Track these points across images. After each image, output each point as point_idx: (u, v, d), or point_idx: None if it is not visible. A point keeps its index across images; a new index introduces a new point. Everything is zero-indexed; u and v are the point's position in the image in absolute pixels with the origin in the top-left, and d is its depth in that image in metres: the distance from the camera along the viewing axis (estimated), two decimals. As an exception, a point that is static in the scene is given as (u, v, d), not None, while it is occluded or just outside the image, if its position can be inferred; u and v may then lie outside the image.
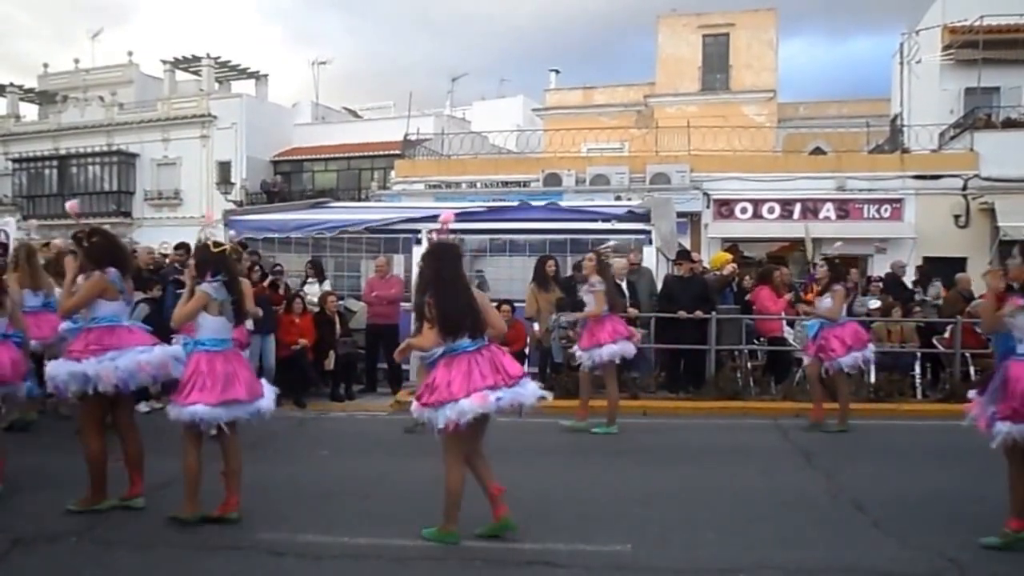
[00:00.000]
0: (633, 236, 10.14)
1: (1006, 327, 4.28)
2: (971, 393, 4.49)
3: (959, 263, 14.68)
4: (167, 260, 10.12)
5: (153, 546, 4.33)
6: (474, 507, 5.12)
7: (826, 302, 7.58)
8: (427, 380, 4.37)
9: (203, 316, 4.61)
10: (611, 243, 8.26)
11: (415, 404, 4.41)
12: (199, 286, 4.65)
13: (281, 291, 9.06)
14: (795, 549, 4.35)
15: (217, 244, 4.91)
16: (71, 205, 6.23)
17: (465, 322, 4.31)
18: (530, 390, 4.41)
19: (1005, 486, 5.69)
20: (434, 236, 4.69)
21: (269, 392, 4.90)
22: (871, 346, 7.86)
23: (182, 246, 10.09)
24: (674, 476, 5.91)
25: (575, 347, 7.70)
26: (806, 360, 7.90)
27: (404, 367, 9.66)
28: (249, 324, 8.29)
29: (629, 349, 7.50)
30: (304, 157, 29.35)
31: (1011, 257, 4.42)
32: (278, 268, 9.53)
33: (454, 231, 5.94)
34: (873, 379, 9.03)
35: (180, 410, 4.52)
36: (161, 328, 8.78)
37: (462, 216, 11.36)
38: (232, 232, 10.55)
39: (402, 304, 9.85)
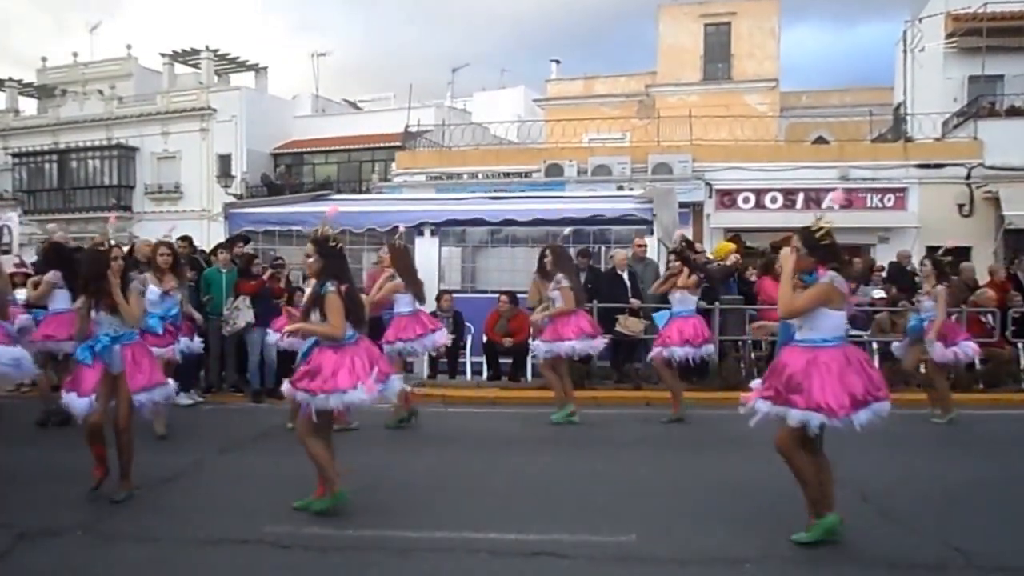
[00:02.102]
0: (635, 226, 10.12)
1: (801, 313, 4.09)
2: (754, 383, 4.33)
3: (963, 252, 14.62)
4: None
5: (158, 540, 4.32)
6: (475, 504, 5.12)
7: (927, 303, 7.54)
8: (307, 366, 4.56)
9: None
10: (565, 232, 8.27)
11: (288, 387, 4.63)
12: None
13: (282, 284, 9.04)
14: (801, 539, 4.34)
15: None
16: (111, 219, 6.69)
17: (363, 314, 4.72)
18: (397, 385, 4.87)
19: (1008, 475, 5.70)
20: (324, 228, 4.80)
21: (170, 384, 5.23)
22: (710, 346, 7.75)
23: (185, 239, 10.09)
24: (679, 466, 5.90)
25: (536, 339, 7.73)
26: (653, 351, 7.72)
27: (408, 359, 9.67)
28: (249, 317, 8.36)
29: (592, 347, 7.56)
30: (304, 150, 29.28)
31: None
32: (279, 261, 9.51)
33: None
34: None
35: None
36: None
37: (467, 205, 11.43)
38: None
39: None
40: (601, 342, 7.75)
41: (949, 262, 7.99)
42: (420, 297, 7.46)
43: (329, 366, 4.48)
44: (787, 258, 4.21)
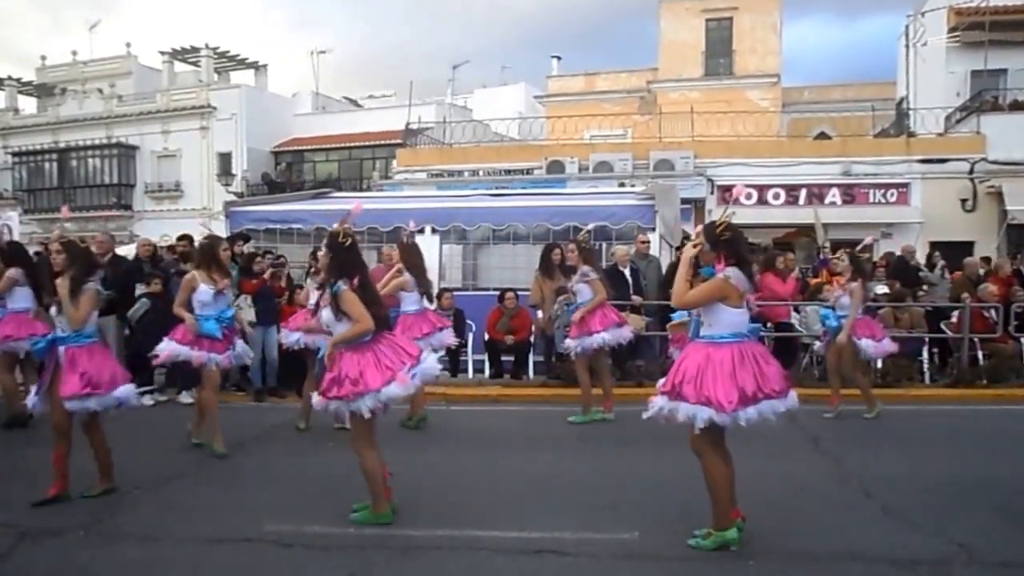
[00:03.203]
0: (637, 223, 10.10)
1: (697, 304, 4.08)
2: (660, 381, 4.29)
3: (966, 247, 14.59)
4: (168, 252, 10.11)
5: (160, 539, 4.32)
6: (478, 502, 5.11)
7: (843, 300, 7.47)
8: (332, 374, 4.34)
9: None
10: (589, 227, 8.13)
11: (319, 400, 4.40)
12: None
13: (283, 282, 9.03)
14: (803, 535, 4.34)
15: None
16: (64, 211, 6.34)
17: (384, 309, 4.57)
18: (432, 363, 4.61)
19: (1014, 471, 5.68)
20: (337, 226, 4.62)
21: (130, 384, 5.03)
22: (628, 330, 7.57)
23: (185, 237, 10.08)
24: (681, 463, 5.86)
25: (566, 338, 7.55)
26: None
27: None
28: (251, 316, 8.31)
29: (623, 335, 7.42)
30: (305, 147, 29.24)
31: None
32: (280, 260, 9.51)
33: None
34: (880, 364, 8.98)
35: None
36: (167, 320, 8.78)
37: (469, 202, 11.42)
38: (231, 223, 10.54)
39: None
40: (629, 331, 7.54)
41: (868, 259, 8.00)
42: (429, 296, 7.34)
43: (354, 368, 4.30)
44: (687, 251, 4.23)
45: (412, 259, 7.24)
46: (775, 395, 3.99)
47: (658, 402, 4.13)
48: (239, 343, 6.44)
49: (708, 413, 3.91)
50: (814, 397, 7.87)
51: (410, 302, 7.17)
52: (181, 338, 6.04)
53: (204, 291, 6.10)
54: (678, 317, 7.56)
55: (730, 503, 4.15)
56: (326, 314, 4.45)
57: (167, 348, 6.04)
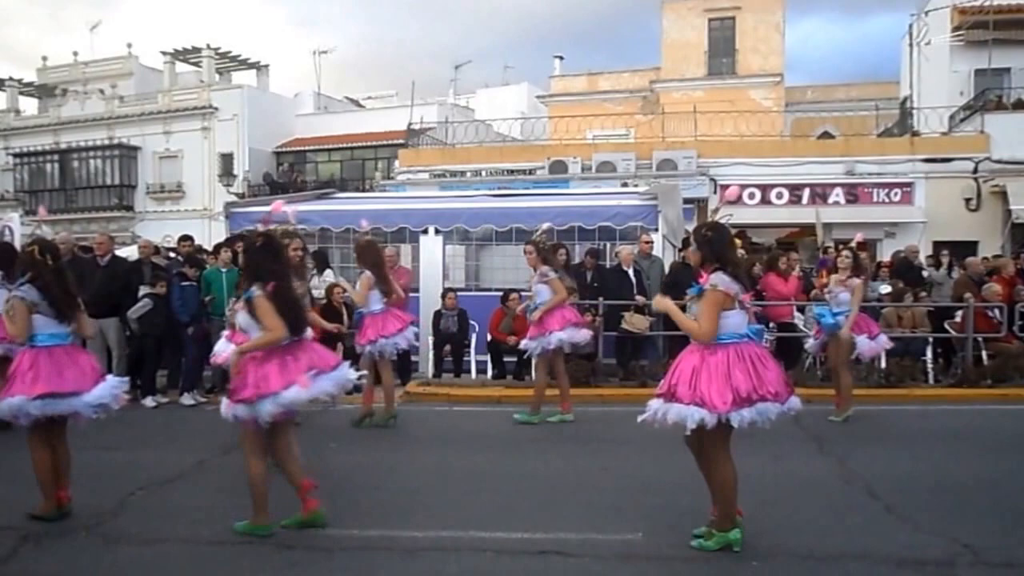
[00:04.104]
0: (640, 223, 10.07)
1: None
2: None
3: (970, 247, 14.55)
4: (171, 253, 10.12)
5: (163, 541, 4.31)
6: (481, 503, 5.09)
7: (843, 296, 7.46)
8: (236, 380, 4.23)
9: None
10: (545, 226, 8.06)
11: (225, 406, 4.27)
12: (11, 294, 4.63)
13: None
14: (808, 535, 4.31)
15: (30, 245, 4.82)
16: (41, 211, 6.03)
17: (300, 316, 4.40)
18: (347, 373, 4.50)
19: (1018, 471, 5.65)
20: (260, 227, 4.57)
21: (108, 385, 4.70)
22: (586, 331, 7.57)
23: (187, 238, 10.08)
24: (685, 463, 5.84)
25: (524, 338, 7.51)
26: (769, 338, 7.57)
27: (413, 358, 9.65)
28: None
29: (580, 336, 7.38)
30: (307, 148, 29.27)
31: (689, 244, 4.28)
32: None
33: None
34: (884, 364, 8.95)
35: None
36: (170, 322, 8.76)
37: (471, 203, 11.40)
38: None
39: (410, 294, 9.84)
40: (587, 332, 7.55)
41: (867, 256, 8.01)
42: (387, 294, 7.20)
43: (256, 372, 4.19)
44: (661, 303, 4.26)
45: (370, 258, 7.20)
46: (772, 398, 3.95)
47: (653, 405, 4.12)
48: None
49: (701, 414, 3.88)
50: (817, 397, 7.85)
51: (374, 301, 7.13)
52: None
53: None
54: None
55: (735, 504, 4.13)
56: (241, 317, 4.34)
57: (225, 350, 5.86)
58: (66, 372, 4.51)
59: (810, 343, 8.26)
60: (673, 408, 3.97)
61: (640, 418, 4.18)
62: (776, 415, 4.00)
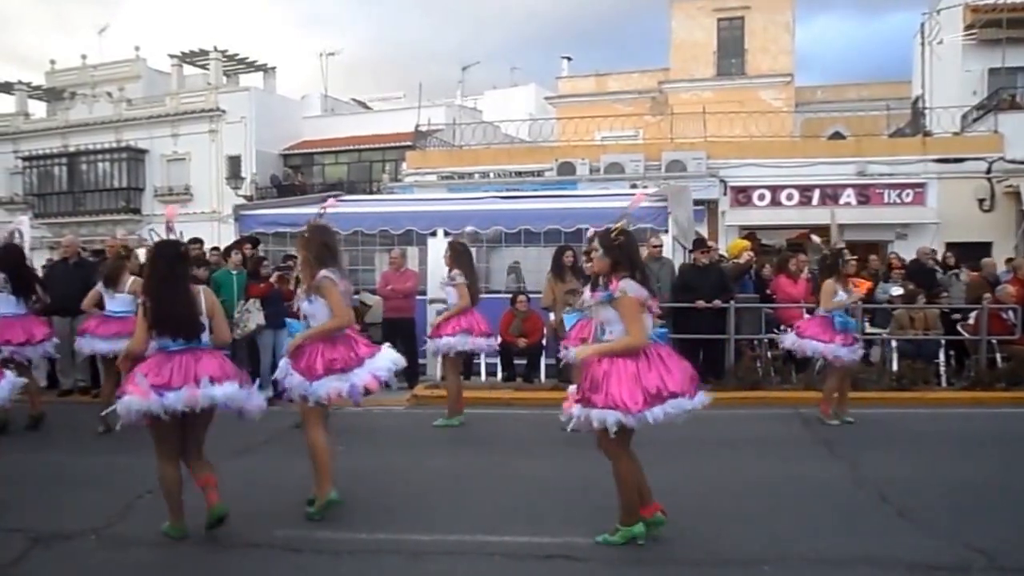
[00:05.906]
0: (650, 225, 10.03)
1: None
2: (570, 388, 4.32)
3: (984, 248, 14.41)
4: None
5: (171, 544, 4.32)
6: (489, 506, 5.07)
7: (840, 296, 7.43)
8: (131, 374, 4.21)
9: None
10: (468, 229, 8.04)
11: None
12: None
13: (291, 285, 9.01)
14: (819, 540, 4.27)
15: None
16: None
17: (174, 324, 4.19)
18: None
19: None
20: (158, 235, 4.52)
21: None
22: (485, 340, 7.47)
23: (196, 241, 10.12)
24: (695, 467, 5.82)
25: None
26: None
27: (421, 361, 9.65)
28: (260, 319, 8.21)
29: (475, 344, 7.32)
30: (314, 150, 29.31)
31: (594, 249, 4.26)
32: (287, 263, 9.50)
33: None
34: (896, 367, 8.88)
35: None
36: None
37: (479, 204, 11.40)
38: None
39: (418, 297, 9.84)
40: (486, 343, 7.48)
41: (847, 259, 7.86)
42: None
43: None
44: (582, 352, 4.24)
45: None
46: (681, 394, 4.06)
47: (573, 411, 4.16)
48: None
49: (616, 416, 3.96)
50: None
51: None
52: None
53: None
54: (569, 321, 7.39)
55: (640, 501, 4.23)
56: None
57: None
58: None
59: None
60: (593, 413, 4.04)
61: (568, 427, 4.21)
62: (689, 409, 4.11)
